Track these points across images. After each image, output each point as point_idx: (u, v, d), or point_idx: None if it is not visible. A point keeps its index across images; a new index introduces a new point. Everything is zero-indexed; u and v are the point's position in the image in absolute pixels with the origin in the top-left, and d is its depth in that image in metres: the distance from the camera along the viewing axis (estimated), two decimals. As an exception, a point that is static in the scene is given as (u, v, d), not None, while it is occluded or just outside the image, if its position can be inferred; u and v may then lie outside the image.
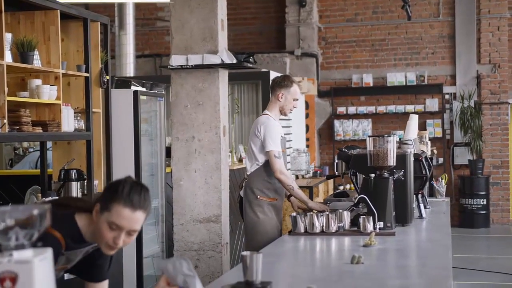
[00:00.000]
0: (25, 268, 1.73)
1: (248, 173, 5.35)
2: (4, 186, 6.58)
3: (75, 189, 5.49)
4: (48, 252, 1.81)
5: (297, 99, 5.37)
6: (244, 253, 2.76)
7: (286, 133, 10.41)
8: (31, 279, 1.73)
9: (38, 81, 5.11)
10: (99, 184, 5.95)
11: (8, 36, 4.78)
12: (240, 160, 8.37)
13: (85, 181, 5.66)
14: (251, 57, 6.15)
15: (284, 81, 5.35)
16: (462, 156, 12.66)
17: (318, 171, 11.46)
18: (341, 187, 12.30)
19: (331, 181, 11.45)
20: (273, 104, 5.36)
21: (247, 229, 5.33)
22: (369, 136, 4.50)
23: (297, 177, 10.49)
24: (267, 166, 5.20)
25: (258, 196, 5.25)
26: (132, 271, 6.36)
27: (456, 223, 12.47)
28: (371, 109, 12.87)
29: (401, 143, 5.22)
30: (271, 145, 5.14)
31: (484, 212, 12.34)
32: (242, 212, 5.45)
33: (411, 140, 5.27)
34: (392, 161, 4.42)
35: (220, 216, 5.83)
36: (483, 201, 12.30)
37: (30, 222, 1.77)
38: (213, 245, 5.72)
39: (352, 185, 12.12)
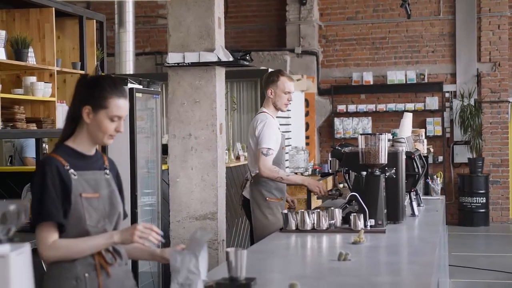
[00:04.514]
0: (1, 262, 1.76)
1: (253, 174, 5.27)
2: (2, 182, 6.60)
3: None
4: (26, 247, 1.83)
5: (288, 92, 5.30)
6: (229, 249, 2.79)
7: (285, 130, 10.44)
8: (7, 273, 1.75)
9: (32, 78, 5.14)
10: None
11: (2, 33, 4.81)
12: (238, 158, 8.39)
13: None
14: (248, 55, 6.15)
15: (270, 77, 5.33)
16: (462, 155, 12.66)
17: (318, 169, 11.48)
18: (341, 185, 12.32)
19: (330, 179, 11.47)
20: (267, 102, 5.35)
21: (256, 230, 5.24)
22: (360, 134, 4.51)
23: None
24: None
25: (267, 198, 5.21)
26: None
27: (456, 221, 12.49)
28: (371, 107, 12.89)
29: (394, 141, 5.23)
30: (262, 142, 5.14)
31: (483, 210, 12.34)
32: (247, 213, 5.38)
33: (403, 138, 5.28)
34: (383, 159, 4.43)
35: (216, 214, 5.84)
36: (482, 200, 12.30)
37: (7, 218, 1.80)
38: (210, 242, 5.73)
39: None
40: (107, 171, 2.93)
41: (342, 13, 13.22)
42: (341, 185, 12.47)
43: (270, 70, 10.09)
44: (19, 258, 1.79)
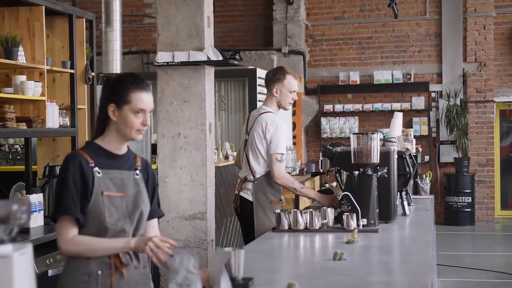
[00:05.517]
0: (5, 263, 1.74)
1: (257, 176, 5.07)
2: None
3: (60, 186, 5.47)
4: (28, 248, 1.81)
5: (294, 91, 5.13)
6: (226, 249, 2.78)
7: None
8: (11, 273, 1.73)
9: (22, 77, 5.09)
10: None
11: (-9, 32, 4.77)
12: (226, 157, 8.37)
13: (70, 177, 5.63)
14: (237, 54, 6.15)
15: (276, 75, 5.12)
16: (448, 154, 12.73)
17: (305, 169, 11.50)
18: (327, 185, 12.35)
19: (317, 179, 11.49)
20: (270, 100, 5.16)
21: (258, 232, 4.98)
22: (353, 134, 4.51)
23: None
24: None
25: (273, 201, 5.07)
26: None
27: (442, 221, 12.54)
28: (358, 107, 12.92)
29: (385, 140, 5.24)
30: (276, 148, 4.95)
31: (469, 209, 12.41)
32: (244, 214, 5.17)
33: (395, 137, 5.29)
34: (375, 158, 4.44)
35: (205, 213, 5.84)
36: (468, 199, 12.37)
37: (9, 218, 1.78)
38: (199, 242, 5.72)
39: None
40: (137, 172, 2.95)
41: (328, 12, 13.24)
42: (327, 185, 12.51)
43: (259, 70, 10.11)
44: (22, 259, 1.77)
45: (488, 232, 11.97)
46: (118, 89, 2.88)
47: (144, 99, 2.87)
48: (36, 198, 4.96)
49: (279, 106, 5.17)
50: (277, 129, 4.99)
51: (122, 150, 2.95)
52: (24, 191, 5.51)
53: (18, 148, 9.26)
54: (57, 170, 5.49)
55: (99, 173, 2.84)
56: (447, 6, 12.75)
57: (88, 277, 2.81)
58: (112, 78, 2.99)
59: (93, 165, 2.84)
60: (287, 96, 5.12)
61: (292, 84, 5.13)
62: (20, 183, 5.88)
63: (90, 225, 2.82)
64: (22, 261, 1.78)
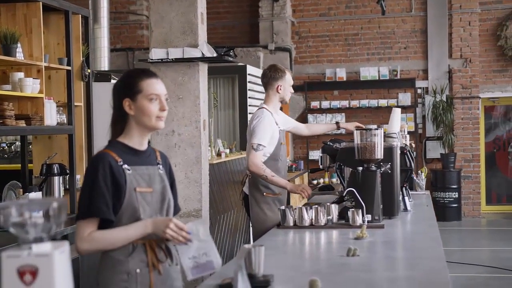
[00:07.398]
0: (45, 261, 1.72)
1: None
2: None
3: (57, 184, 5.42)
4: (66, 246, 1.79)
5: (291, 84, 5.44)
6: (247, 246, 2.76)
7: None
8: (52, 272, 1.72)
9: (20, 74, 5.03)
10: (81, 179, 5.88)
11: (-11, 29, 4.70)
12: (219, 154, 8.35)
13: (67, 175, 5.59)
14: (231, 51, 6.13)
15: (278, 73, 5.33)
16: (434, 150, 12.79)
17: (293, 166, 11.52)
18: (315, 182, 12.36)
19: (306, 175, 11.51)
20: (271, 97, 5.33)
21: (255, 226, 5.23)
22: (356, 129, 4.51)
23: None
24: (270, 161, 5.14)
25: (264, 193, 5.19)
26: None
27: (429, 216, 12.59)
28: (345, 103, 12.93)
29: (386, 136, 5.24)
30: (255, 137, 5.09)
31: (455, 205, 12.48)
32: (247, 208, 5.34)
33: (395, 133, 5.30)
34: (379, 154, 4.44)
35: (200, 211, 5.82)
36: (454, 195, 12.44)
37: (49, 216, 1.75)
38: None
39: (328, 179, 12.12)
40: (161, 167, 2.96)
41: (314, 9, 13.24)
42: (314, 182, 12.49)
43: (249, 66, 10.07)
44: (61, 257, 1.75)
45: (474, 227, 12.04)
46: (127, 83, 2.89)
47: (154, 85, 2.87)
48: (35, 197, 4.90)
49: (282, 101, 5.39)
50: (259, 121, 5.13)
51: (144, 145, 2.93)
52: (21, 190, 5.44)
53: (5, 147, 9.18)
54: (55, 168, 5.45)
55: (128, 170, 2.82)
56: (433, 3, 12.81)
57: (127, 275, 2.79)
58: (119, 78, 3.00)
59: (121, 163, 2.82)
60: (288, 90, 5.40)
61: (291, 78, 5.45)
62: (14, 182, 5.80)
63: (124, 223, 2.79)
64: (62, 259, 1.76)
